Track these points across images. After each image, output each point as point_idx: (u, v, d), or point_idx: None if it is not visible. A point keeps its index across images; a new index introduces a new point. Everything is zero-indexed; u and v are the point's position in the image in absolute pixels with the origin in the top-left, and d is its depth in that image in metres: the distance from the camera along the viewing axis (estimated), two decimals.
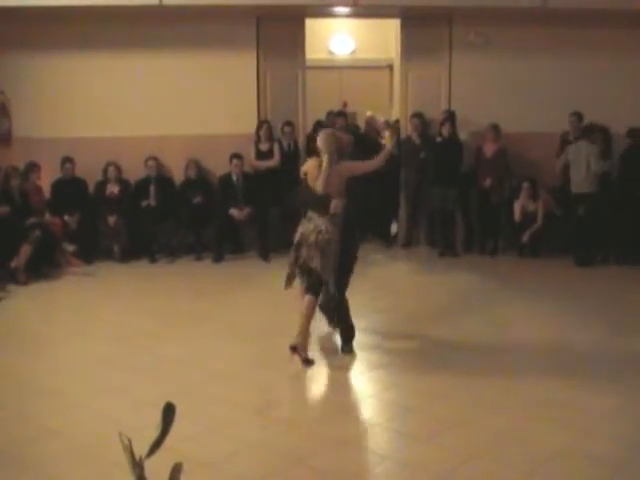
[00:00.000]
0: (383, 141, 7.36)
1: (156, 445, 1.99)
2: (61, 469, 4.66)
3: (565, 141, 11.36)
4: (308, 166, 7.02)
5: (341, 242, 6.71)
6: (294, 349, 6.54)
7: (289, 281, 7.07)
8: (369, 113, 13.60)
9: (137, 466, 1.94)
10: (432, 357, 6.86)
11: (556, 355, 6.91)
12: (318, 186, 6.71)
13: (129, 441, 1.98)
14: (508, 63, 11.91)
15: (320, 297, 6.96)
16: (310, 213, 6.86)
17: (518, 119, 11.70)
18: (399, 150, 11.56)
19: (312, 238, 6.72)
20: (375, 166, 6.92)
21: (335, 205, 6.69)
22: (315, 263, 6.71)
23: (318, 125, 12.61)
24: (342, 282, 6.87)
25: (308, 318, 6.72)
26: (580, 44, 11.82)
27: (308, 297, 6.79)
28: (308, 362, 6.53)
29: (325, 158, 6.68)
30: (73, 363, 6.79)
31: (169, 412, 2.02)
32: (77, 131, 11.53)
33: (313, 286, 6.84)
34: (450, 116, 11.66)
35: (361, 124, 13.77)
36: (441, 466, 4.64)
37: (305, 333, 6.65)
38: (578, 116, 11.24)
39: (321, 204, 6.74)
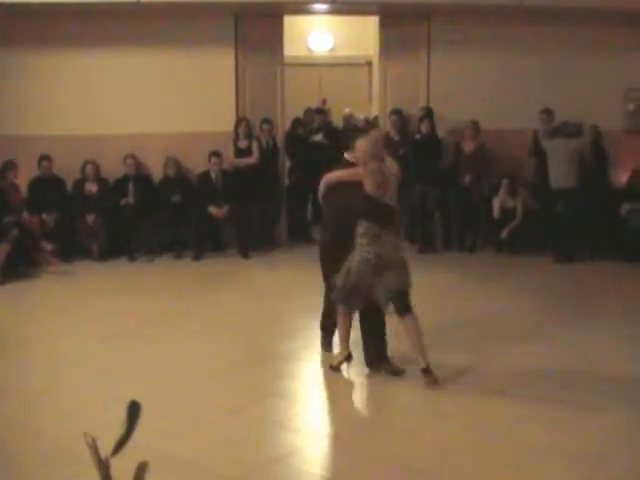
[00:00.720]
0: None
1: (121, 443, 1.98)
2: (43, 469, 4.64)
3: (538, 138, 11.40)
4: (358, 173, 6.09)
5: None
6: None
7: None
8: (347, 110, 13.61)
9: (103, 465, 1.93)
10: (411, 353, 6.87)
11: (534, 350, 6.93)
12: (388, 196, 6.05)
13: (93, 440, 1.97)
14: (486, 60, 11.93)
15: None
16: (373, 229, 5.96)
17: (497, 116, 11.72)
18: None
19: (392, 259, 6.10)
20: None
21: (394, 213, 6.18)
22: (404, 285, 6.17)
23: (297, 122, 12.62)
24: None
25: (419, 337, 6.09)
26: (557, 41, 11.87)
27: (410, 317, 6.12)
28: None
29: (387, 163, 6.10)
30: (52, 363, 6.75)
31: (134, 410, 2.01)
32: (55, 129, 11.43)
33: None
34: (428, 113, 11.67)
35: (339, 121, 13.78)
36: (421, 462, 4.65)
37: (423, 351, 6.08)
38: (549, 113, 11.29)
39: (390, 216, 6.10)
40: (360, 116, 13.22)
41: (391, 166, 6.15)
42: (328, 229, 6.59)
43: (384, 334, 6.35)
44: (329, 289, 6.32)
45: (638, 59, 11.99)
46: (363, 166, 6.04)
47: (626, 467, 4.66)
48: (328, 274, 6.29)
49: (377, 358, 6.31)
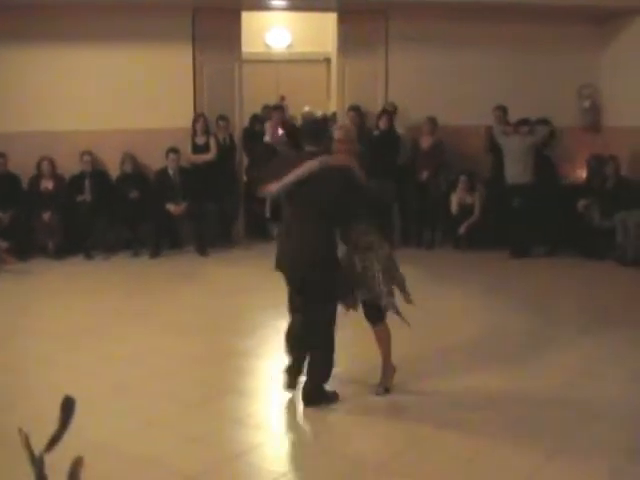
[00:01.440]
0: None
1: (55, 440, 1.96)
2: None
3: (491, 135, 11.49)
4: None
5: None
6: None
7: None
8: (306, 108, 13.61)
9: (36, 462, 1.91)
10: (366, 347, 6.87)
11: (489, 346, 7.00)
12: None
13: (26, 436, 1.95)
14: (444, 57, 12.00)
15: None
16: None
17: (455, 112, 11.81)
18: None
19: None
20: None
21: None
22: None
23: (255, 119, 12.57)
24: None
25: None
26: (514, 39, 12.00)
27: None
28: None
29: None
30: (9, 361, 6.68)
31: (68, 406, 1.99)
32: (10, 125, 11.29)
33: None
34: (394, 109, 11.71)
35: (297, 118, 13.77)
36: (380, 456, 4.67)
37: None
38: (502, 110, 11.39)
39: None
40: (318, 113, 13.21)
41: None
42: None
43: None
44: None
45: (591, 56, 12.15)
46: (351, 155, 5.84)
47: None
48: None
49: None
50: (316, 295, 5.45)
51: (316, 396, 5.52)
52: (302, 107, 14.00)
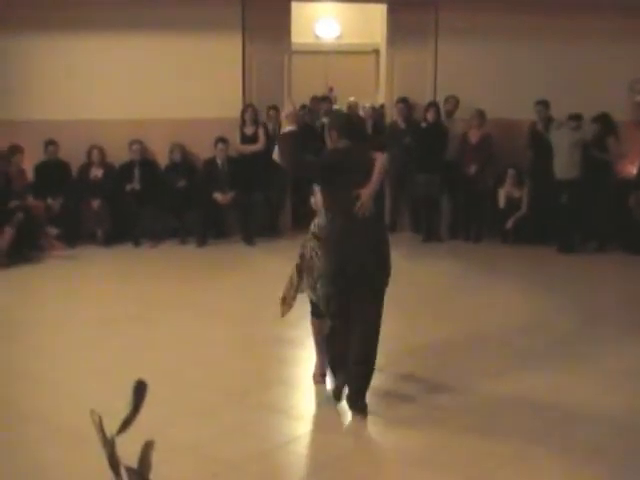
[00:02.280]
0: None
1: (127, 422, 1.98)
2: (44, 453, 4.66)
3: (534, 131, 11.37)
4: None
5: None
6: None
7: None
8: (352, 99, 13.57)
9: (108, 444, 1.94)
10: (415, 341, 6.87)
11: (535, 340, 6.95)
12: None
13: (99, 418, 1.98)
14: (494, 49, 11.88)
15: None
16: None
17: (503, 105, 11.68)
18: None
19: None
20: None
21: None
22: None
23: (303, 109, 12.58)
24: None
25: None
26: (564, 31, 11.80)
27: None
28: None
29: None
30: (55, 347, 6.78)
31: (140, 390, 2.01)
32: (61, 114, 11.42)
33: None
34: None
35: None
36: (417, 451, 4.66)
37: None
38: (544, 104, 11.25)
39: None
40: (366, 104, 13.18)
41: None
42: None
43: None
44: None
45: None
46: None
47: None
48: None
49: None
50: (380, 296, 5.33)
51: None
52: (348, 99, 13.97)
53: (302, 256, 5.77)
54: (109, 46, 11.51)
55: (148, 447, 2.02)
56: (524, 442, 4.81)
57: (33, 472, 4.41)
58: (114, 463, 1.93)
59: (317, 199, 5.74)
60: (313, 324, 5.90)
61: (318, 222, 5.76)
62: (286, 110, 5.77)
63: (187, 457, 4.55)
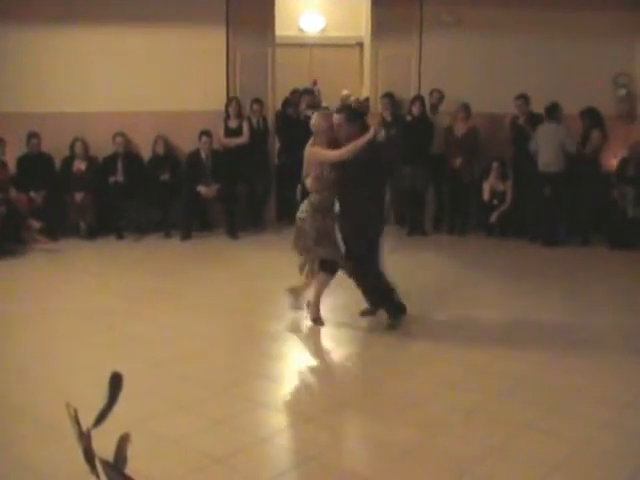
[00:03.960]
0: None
1: (102, 415, 1.96)
2: (27, 448, 4.64)
3: (515, 124, 11.38)
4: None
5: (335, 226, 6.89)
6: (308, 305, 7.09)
7: (300, 269, 7.14)
8: (345, 92, 13.55)
9: (84, 437, 1.92)
10: (398, 334, 6.88)
11: (520, 333, 6.96)
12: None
13: (75, 411, 1.96)
14: (479, 43, 11.88)
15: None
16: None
17: (488, 99, 11.70)
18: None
19: (296, 220, 6.97)
20: (338, 158, 6.60)
21: (310, 184, 6.75)
22: (305, 244, 6.91)
23: (286, 103, 12.55)
24: (364, 262, 6.91)
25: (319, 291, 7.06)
26: (549, 25, 11.82)
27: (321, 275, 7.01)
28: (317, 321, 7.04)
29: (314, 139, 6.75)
30: (39, 340, 6.74)
31: (116, 382, 1.99)
32: (44, 106, 11.36)
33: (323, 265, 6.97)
34: (420, 96, 11.64)
35: (330, 102, 13.71)
36: (407, 443, 4.66)
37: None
38: (524, 99, 11.26)
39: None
40: (351, 97, 13.18)
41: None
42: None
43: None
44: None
45: (627, 44, 11.99)
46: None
47: None
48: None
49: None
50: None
51: None
52: (333, 91, 13.96)
53: (299, 226, 6.90)
54: (93, 39, 11.45)
55: (124, 440, 2.00)
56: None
57: (16, 468, 4.38)
58: (89, 456, 1.92)
59: (312, 182, 6.74)
60: (319, 278, 6.99)
61: (314, 199, 6.77)
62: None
63: (171, 450, 4.53)
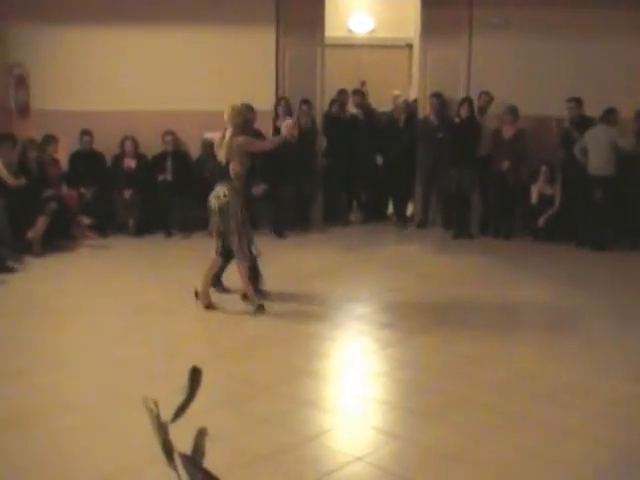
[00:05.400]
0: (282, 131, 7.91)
1: (181, 409, 2.00)
2: (76, 441, 4.71)
3: (563, 128, 11.26)
4: (214, 137, 7.75)
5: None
6: (196, 294, 7.59)
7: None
8: (396, 92, 13.51)
9: (161, 430, 1.96)
10: (442, 337, 6.88)
11: (568, 340, 6.89)
12: (220, 155, 7.36)
13: (156, 405, 2.00)
14: (528, 45, 11.78)
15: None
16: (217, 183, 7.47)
17: (537, 102, 11.61)
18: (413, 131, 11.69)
19: (212, 204, 7.48)
20: (267, 147, 7.86)
21: (233, 170, 7.30)
22: (219, 228, 7.50)
23: (333, 103, 12.55)
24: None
25: (207, 276, 7.65)
26: (601, 26, 11.68)
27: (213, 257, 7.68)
28: (209, 306, 7.48)
29: (229, 130, 7.32)
30: (87, 336, 6.83)
31: (195, 376, 2.03)
32: (96, 104, 11.54)
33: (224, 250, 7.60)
34: (468, 98, 11.59)
35: (378, 103, 13.70)
36: (451, 446, 4.67)
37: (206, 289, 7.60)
38: (577, 102, 11.14)
39: (224, 172, 7.38)
40: (401, 98, 13.15)
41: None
42: None
43: None
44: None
45: None
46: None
47: None
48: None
49: None
50: None
51: None
52: (382, 92, 13.93)
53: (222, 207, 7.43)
54: (144, 38, 11.61)
55: (202, 434, 2.05)
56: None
57: (64, 462, 4.45)
58: (168, 449, 1.96)
59: (237, 168, 7.32)
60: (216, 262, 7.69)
61: (237, 184, 7.40)
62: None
63: (216, 448, 4.53)
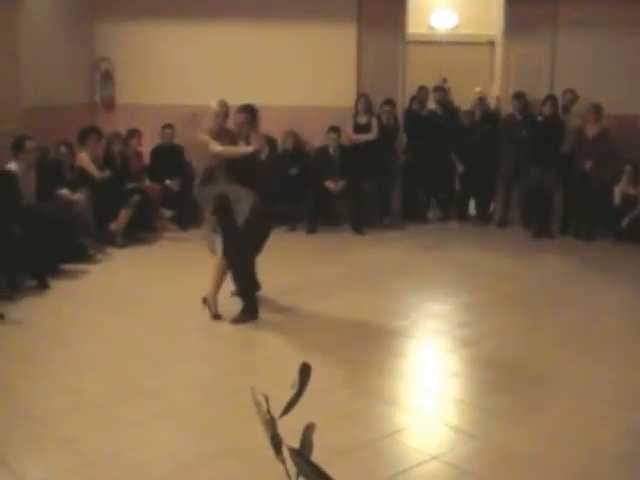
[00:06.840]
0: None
1: (290, 405, 2.04)
2: (160, 428, 4.81)
3: None
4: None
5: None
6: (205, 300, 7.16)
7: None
8: (478, 89, 13.39)
9: (270, 424, 2.00)
10: (519, 338, 6.81)
11: (627, 346, 6.76)
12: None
13: (266, 398, 2.04)
14: (614, 42, 11.56)
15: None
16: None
17: (623, 100, 11.38)
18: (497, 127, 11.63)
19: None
20: (214, 153, 7.29)
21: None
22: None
23: (414, 99, 12.48)
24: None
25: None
26: None
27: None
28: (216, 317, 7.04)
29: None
30: (167, 327, 6.94)
31: (305, 372, 2.07)
32: (177, 98, 11.69)
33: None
34: (552, 96, 11.43)
35: (459, 101, 13.60)
36: (529, 447, 4.63)
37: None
38: None
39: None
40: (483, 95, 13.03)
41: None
42: None
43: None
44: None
45: None
46: None
47: None
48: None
49: None
50: None
51: None
52: (463, 89, 13.82)
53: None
54: (226, 34, 11.73)
55: (310, 429, 2.09)
56: None
57: (141, 448, 4.54)
58: (276, 442, 2.00)
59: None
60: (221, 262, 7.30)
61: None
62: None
63: (294, 442, 4.60)
